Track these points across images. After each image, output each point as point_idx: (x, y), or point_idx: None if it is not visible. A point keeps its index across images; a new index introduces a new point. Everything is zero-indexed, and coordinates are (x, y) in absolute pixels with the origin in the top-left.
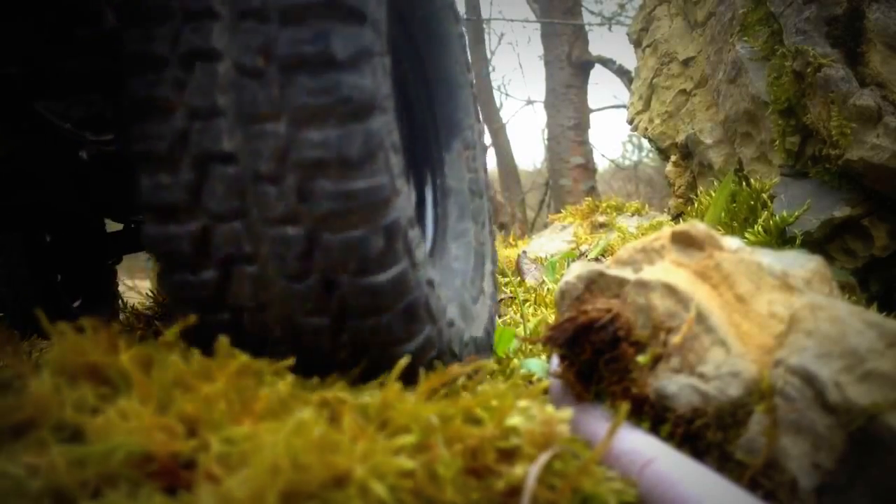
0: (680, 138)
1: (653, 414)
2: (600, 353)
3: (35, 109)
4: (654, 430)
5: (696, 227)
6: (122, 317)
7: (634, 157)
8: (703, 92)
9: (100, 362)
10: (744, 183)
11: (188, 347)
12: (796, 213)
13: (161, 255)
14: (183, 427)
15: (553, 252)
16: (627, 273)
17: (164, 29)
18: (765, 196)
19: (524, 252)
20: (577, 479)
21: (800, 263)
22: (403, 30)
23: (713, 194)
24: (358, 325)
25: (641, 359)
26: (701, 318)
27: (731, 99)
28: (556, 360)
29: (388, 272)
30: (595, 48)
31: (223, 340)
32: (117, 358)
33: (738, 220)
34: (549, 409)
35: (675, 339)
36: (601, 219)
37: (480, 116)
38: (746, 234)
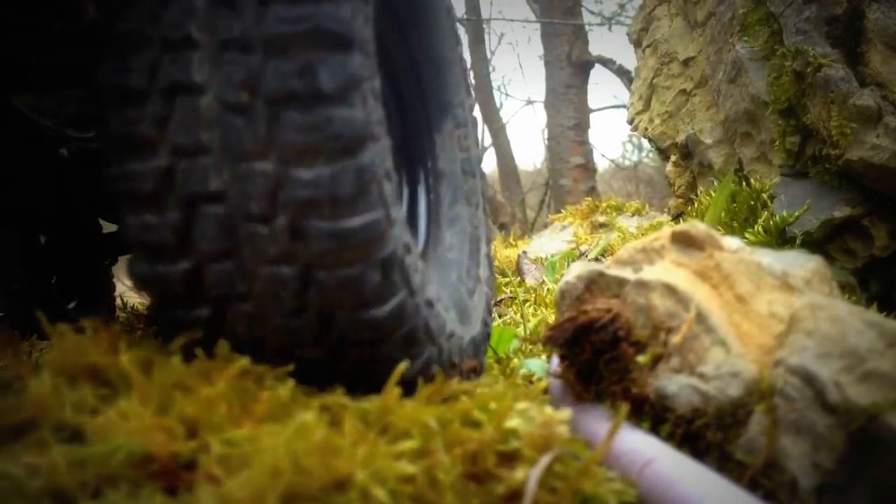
0: (680, 138)
1: (653, 414)
2: (600, 353)
3: (12, 105)
4: (654, 430)
5: (696, 227)
6: (122, 317)
7: (634, 157)
8: (703, 92)
9: (99, 364)
10: (744, 183)
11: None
12: (796, 213)
13: (152, 294)
14: (183, 428)
15: (553, 252)
16: (627, 273)
17: (140, 60)
18: (765, 196)
19: (524, 252)
20: (578, 481)
21: (800, 263)
22: (387, 7)
23: (713, 194)
24: (357, 356)
25: (641, 359)
26: (701, 318)
27: (731, 99)
28: (556, 360)
29: (386, 305)
30: (595, 48)
31: (222, 344)
32: (117, 359)
33: (738, 220)
34: (548, 410)
35: (675, 339)
36: (601, 219)
37: (471, 90)
38: (746, 234)
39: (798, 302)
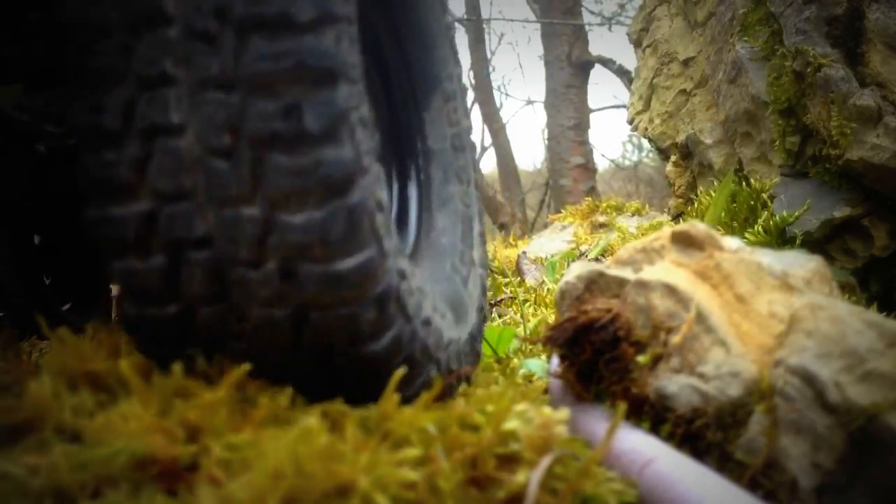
0: (680, 138)
1: (653, 414)
2: (600, 353)
3: None
4: (654, 430)
5: (696, 227)
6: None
7: (634, 157)
8: (703, 92)
9: (99, 370)
10: (744, 183)
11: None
12: (796, 213)
13: (143, 335)
14: (184, 432)
15: (553, 252)
16: (627, 273)
17: (114, 98)
18: (765, 196)
19: (524, 252)
20: (579, 482)
21: (800, 263)
22: None
23: (713, 194)
24: (356, 385)
25: (641, 359)
26: (701, 318)
27: (731, 99)
28: (556, 360)
29: (383, 339)
30: (595, 48)
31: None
32: (117, 364)
33: (738, 220)
34: (546, 410)
35: (675, 339)
36: (601, 219)
37: (458, 58)
38: (746, 234)
39: (798, 302)
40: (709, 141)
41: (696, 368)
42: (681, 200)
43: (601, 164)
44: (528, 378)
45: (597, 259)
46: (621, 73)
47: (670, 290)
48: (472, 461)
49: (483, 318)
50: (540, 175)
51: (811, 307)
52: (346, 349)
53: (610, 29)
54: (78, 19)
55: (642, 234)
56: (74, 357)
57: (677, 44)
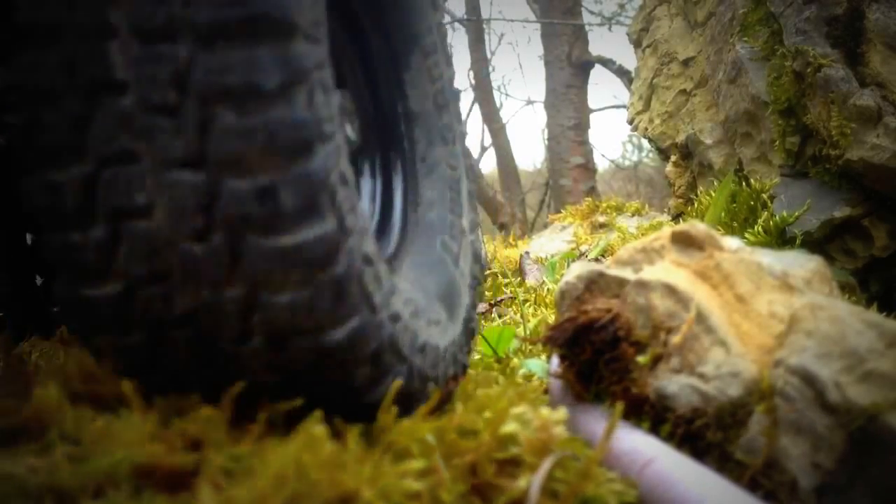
0: (680, 138)
1: (653, 414)
2: (600, 353)
3: None
4: (654, 430)
5: (696, 227)
6: None
7: (634, 157)
8: (703, 92)
9: (101, 390)
10: (744, 183)
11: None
12: (796, 214)
13: (79, 319)
14: (184, 443)
15: (553, 252)
16: (627, 273)
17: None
18: (765, 196)
19: (527, 253)
20: (580, 485)
21: (800, 263)
22: None
23: (713, 194)
24: (314, 382)
25: (641, 359)
26: (701, 318)
27: (731, 99)
28: (556, 360)
29: (342, 328)
30: (595, 48)
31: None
32: (118, 383)
33: (738, 220)
34: (545, 412)
35: (675, 339)
36: (601, 219)
37: (438, 2)
38: (746, 235)
39: (798, 302)
40: (709, 141)
41: (696, 368)
42: (681, 200)
43: (601, 164)
44: (528, 378)
45: (597, 259)
46: (621, 73)
47: (670, 290)
48: (471, 468)
49: (478, 287)
50: (540, 175)
51: (811, 307)
52: (300, 339)
53: (610, 29)
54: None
55: (642, 235)
56: (75, 375)
57: (677, 44)
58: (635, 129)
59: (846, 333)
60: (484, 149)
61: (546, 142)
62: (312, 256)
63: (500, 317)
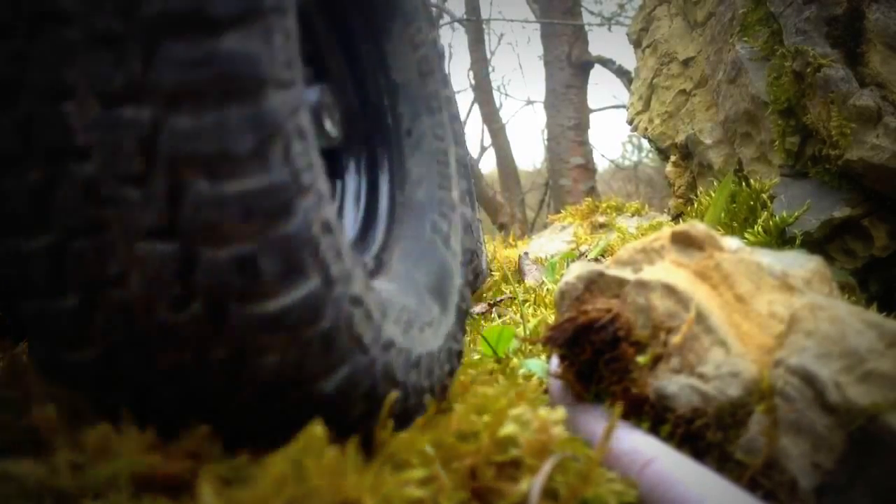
0: (680, 138)
1: (653, 414)
2: (600, 353)
3: None
4: (654, 430)
5: (696, 227)
6: None
7: (634, 158)
8: (703, 92)
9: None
10: (744, 183)
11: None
12: (796, 214)
13: (53, 374)
14: (183, 455)
15: (553, 252)
16: (627, 273)
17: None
18: (765, 196)
19: (525, 253)
20: (580, 487)
21: (800, 263)
22: None
23: (713, 194)
24: (258, 364)
25: (641, 359)
26: (701, 318)
27: (731, 99)
28: (555, 360)
29: (333, 377)
30: (595, 48)
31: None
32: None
33: (738, 220)
34: (543, 412)
35: (675, 339)
36: (601, 219)
37: None
38: (746, 235)
39: (798, 302)
40: (708, 141)
41: (696, 368)
42: (680, 200)
43: (601, 164)
44: (528, 378)
45: (597, 259)
46: (621, 73)
47: (670, 291)
48: (471, 472)
49: (472, 261)
50: (540, 175)
51: (811, 307)
52: (241, 306)
53: (610, 29)
54: None
55: (642, 235)
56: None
57: (677, 44)
58: (635, 129)
59: (846, 333)
60: (484, 149)
61: (546, 142)
62: (298, 318)
63: (499, 317)
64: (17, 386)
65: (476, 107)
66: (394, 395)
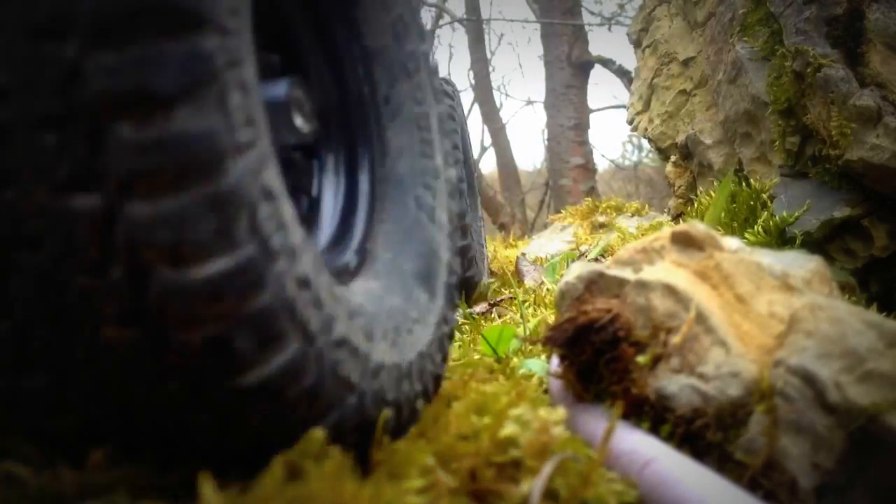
0: (680, 138)
1: (653, 414)
2: (600, 353)
3: None
4: (654, 430)
5: (696, 227)
6: None
7: (634, 158)
8: (703, 92)
9: None
10: (744, 183)
11: None
12: (796, 214)
13: None
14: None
15: (553, 252)
16: (627, 273)
17: None
18: (765, 196)
19: (523, 254)
20: (581, 489)
21: (800, 264)
22: None
23: (713, 194)
24: (183, 351)
25: (641, 359)
26: (701, 318)
27: (731, 99)
28: (556, 360)
29: (266, 365)
30: (595, 48)
31: None
32: None
33: (738, 220)
34: (543, 412)
35: (675, 339)
36: (601, 219)
37: None
38: (746, 235)
39: (798, 302)
40: (709, 141)
41: (696, 369)
42: (681, 201)
43: (601, 164)
44: (528, 378)
45: (597, 259)
46: (621, 73)
47: (670, 291)
48: (471, 473)
49: (461, 227)
50: (540, 175)
51: (811, 307)
52: (216, 381)
53: (610, 29)
54: None
55: (642, 235)
56: None
57: (677, 44)
58: (635, 129)
59: (846, 333)
60: (484, 149)
61: (546, 142)
62: (280, 382)
63: (499, 317)
64: None
65: (476, 107)
66: (386, 413)
